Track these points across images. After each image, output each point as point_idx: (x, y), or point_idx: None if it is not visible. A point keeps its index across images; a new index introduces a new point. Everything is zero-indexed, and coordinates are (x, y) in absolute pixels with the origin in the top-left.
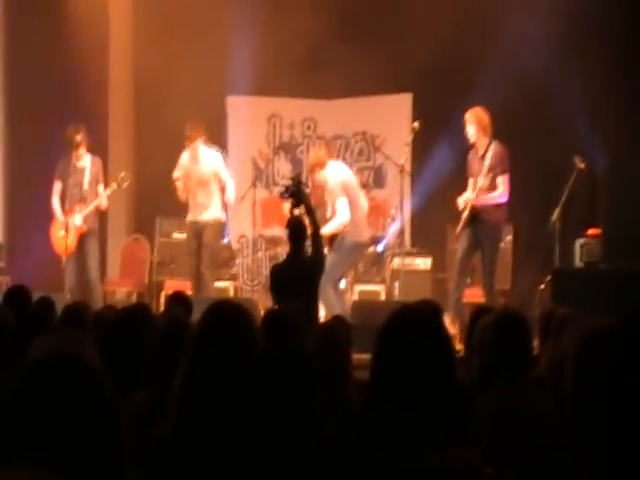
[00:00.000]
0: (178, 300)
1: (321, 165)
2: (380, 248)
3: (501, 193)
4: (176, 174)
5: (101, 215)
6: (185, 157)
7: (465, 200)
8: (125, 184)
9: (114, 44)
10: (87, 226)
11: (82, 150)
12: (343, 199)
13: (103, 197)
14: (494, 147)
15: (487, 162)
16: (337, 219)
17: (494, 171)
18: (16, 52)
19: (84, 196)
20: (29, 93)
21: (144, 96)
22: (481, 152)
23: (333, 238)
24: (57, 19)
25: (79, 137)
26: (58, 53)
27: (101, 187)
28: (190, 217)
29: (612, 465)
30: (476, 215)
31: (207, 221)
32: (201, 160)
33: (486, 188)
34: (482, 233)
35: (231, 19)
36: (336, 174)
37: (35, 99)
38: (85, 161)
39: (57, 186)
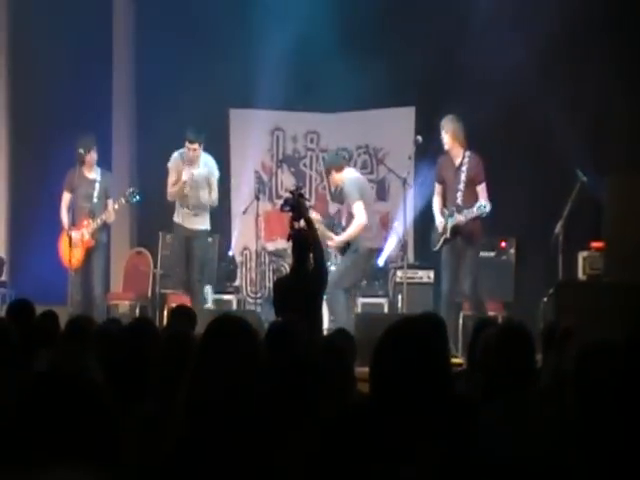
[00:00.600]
0: (181, 313)
1: (337, 168)
2: (381, 263)
3: (485, 204)
4: (173, 177)
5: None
6: (177, 158)
7: (443, 225)
8: (134, 200)
9: (117, 55)
10: (94, 240)
11: (93, 162)
12: (360, 203)
13: (111, 212)
14: (470, 158)
15: (464, 174)
16: (356, 222)
17: (473, 182)
18: (21, 65)
19: (93, 209)
20: (34, 106)
21: (147, 109)
22: (457, 162)
23: (347, 243)
24: (60, 32)
25: (90, 148)
26: (62, 65)
27: (110, 202)
28: (178, 220)
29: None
30: (455, 227)
31: (196, 231)
32: (199, 163)
33: (465, 200)
34: (460, 244)
35: (234, 32)
36: (353, 177)
37: (40, 112)
38: (95, 174)
39: (66, 197)
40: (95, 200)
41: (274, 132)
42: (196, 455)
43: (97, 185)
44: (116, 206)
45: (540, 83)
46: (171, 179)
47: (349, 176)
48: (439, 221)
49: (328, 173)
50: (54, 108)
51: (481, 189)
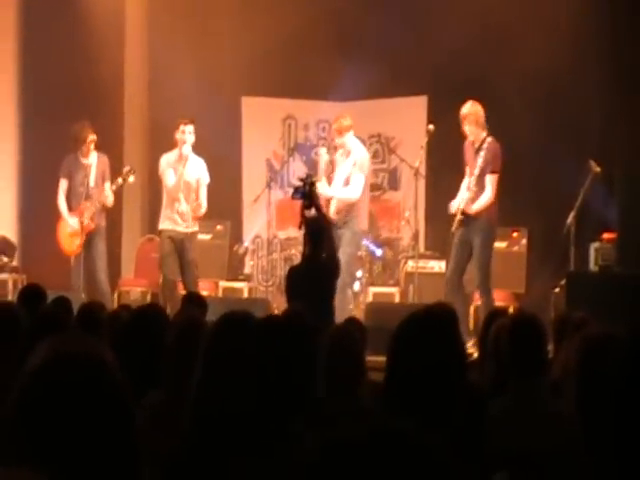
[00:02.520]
0: (193, 300)
1: (349, 129)
2: (379, 253)
3: (488, 196)
4: (169, 181)
5: (116, 215)
6: (169, 159)
7: (456, 205)
8: (130, 178)
9: (129, 43)
10: (94, 224)
11: (89, 147)
12: (362, 177)
13: (110, 194)
14: (489, 143)
15: (481, 159)
16: (349, 191)
17: (485, 169)
18: (31, 51)
19: (90, 194)
20: (44, 92)
21: (159, 95)
22: (477, 145)
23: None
24: (72, 17)
25: (85, 134)
26: (73, 51)
27: (107, 185)
28: (165, 226)
29: (617, 470)
30: (467, 215)
31: (187, 234)
32: (189, 164)
33: (477, 185)
34: (473, 232)
35: (247, 20)
36: (365, 152)
37: (50, 98)
38: (92, 158)
39: (63, 184)
40: (92, 184)
41: (286, 120)
42: (209, 440)
43: (93, 169)
44: (113, 187)
45: (553, 73)
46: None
47: (363, 149)
48: (455, 202)
49: (348, 130)
50: (64, 92)
51: (490, 180)
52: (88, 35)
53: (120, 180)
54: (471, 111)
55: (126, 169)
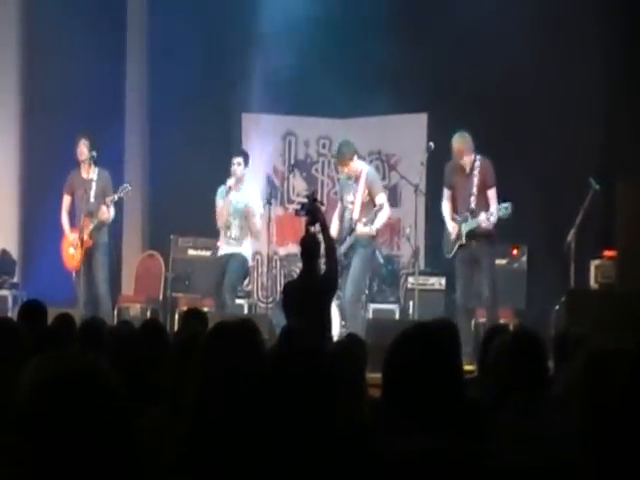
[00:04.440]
0: (194, 316)
1: (353, 156)
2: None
3: (496, 211)
4: (219, 203)
5: (116, 231)
6: (221, 192)
7: (456, 229)
8: (123, 193)
9: (130, 58)
10: (92, 241)
11: (90, 162)
12: (384, 195)
13: (111, 210)
14: (481, 162)
15: (476, 178)
16: (385, 212)
17: (484, 186)
18: (33, 63)
19: (90, 209)
20: (46, 106)
21: (159, 113)
22: (467, 168)
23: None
24: (74, 26)
25: (87, 149)
26: (74, 67)
27: (108, 200)
28: (221, 252)
29: None
30: (470, 232)
31: (234, 253)
32: (242, 188)
33: (478, 204)
34: (476, 248)
35: (246, 36)
36: (371, 167)
37: (52, 113)
38: (93, 174)
39: (66, 200)
40: (92, 200)
41: (286, 137)
42: (207, 452)
43: (94, 185)
44: (109, 202)
45: (553, 91)
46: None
47: (368, 166)
48: (452, 227)
49: (344, 163)
50: (67, 110)
51: (492, 194)
52: (88, 47)
53: (116, 197)
54: (464, 143)
55: (122, 186)
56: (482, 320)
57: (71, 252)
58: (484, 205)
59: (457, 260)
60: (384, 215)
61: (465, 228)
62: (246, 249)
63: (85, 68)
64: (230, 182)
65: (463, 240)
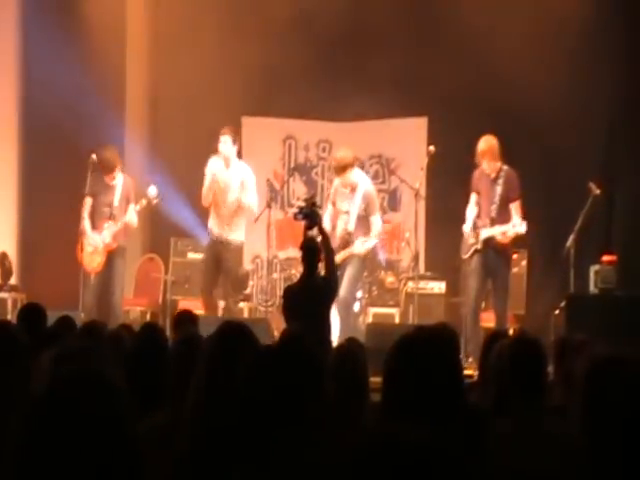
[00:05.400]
0: (184, 319)
1: (352, 166)
2: (382, 257)
3: (520, 223)
4: (207, 182)
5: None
6: (214, 163)
7: (475, 235)
8: (155, 201)
9: (130, 63)
10: (116, 244)
11: (116, 170)
12: (379, 215)
13: (133, 215)
14: (506, 173)
15: (500, 188)
16: (377, 238)
17: (507, 198)
18: (32, 67)
19: (114, 213)
20: (45, 110)
21: (160, 117)
22: (493, 176)
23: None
24: (74, 35)
25: (115, 162)
26: (75, 72)
27: (132, 206)
28: (214, 230)
29: None
30: (487, 240)
31: (230, 242)
32: (232, 166)
33: (499, 214)
34: (493, 258)
35: (248, 40)
36: (370, 184)
37: (51, 116)
38: (117, 179)
39: (88, 202)
40: (116, 204)
41: (286, 140)
42: (208, 458)
43: (118, 190)
44: (137, 207)
45: (554, 95)
46: (205, 183)
47: (367, 181)
48: (471, 230)
49: (344, 171)
50: (66, 112)
51: (515, 207)
52: (90, 55)
53: (144, 202)
54: (489, 147)
55: (151, 193)
56: (486, 325)
57: (90, 252)
58: (505, 216)
59: (472, 264)
60: (375, 240)
61: (483, 234)
62: (240, 233)
63: (84, 79)
64: (219, 162)
65: (479, 246)
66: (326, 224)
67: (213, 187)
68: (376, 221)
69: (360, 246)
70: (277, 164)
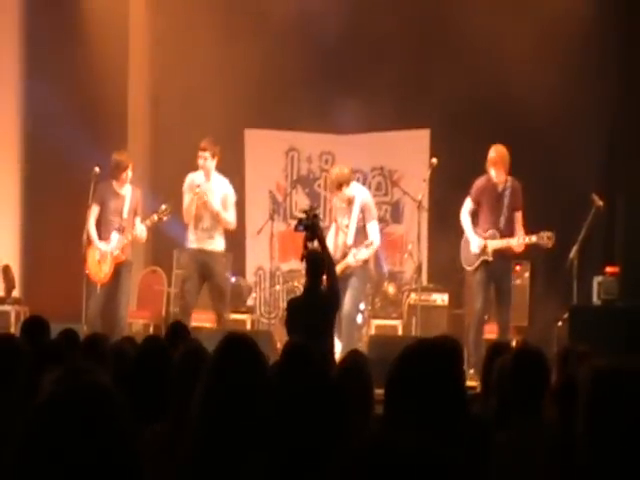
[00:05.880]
0: (176, 331)
1: (347, 182)
2: (385, 268)
3: (523, 233)
4: (187, 199)
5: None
6: (193, 177)
7: (483, 246)
8: (165, 218)
9: (133, 76)
10: (125, 256)
11: (127, 179)
12: (376, 223)
13: (143, 229)
14: (512, 184)
15: (507, 199)
16: (372, 247)
17: (513, 208)
18: (34, 75)
19: (123, 225)
20: (48, 122)
21: (162, 129)
22: (500, 188)
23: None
24: (76, 42)
25: (127, 162)
26: (77, 77)
27: (138, 219)
28: (193, 245)
29: None
30: (496, 251)
31: (213, 252)
32: (212, 181)
33: (506, 225)
34: (502, 273)
35: (250, 52)
36: (368, 194)
37: (54, 128)
38: (126, 189)
39: (94, 210)
40: (125, 216)
41: (289, 153)
42: (211, 468)
43: (127, 201)
44: (148, 222)
45: (556, 108)
46: (185, 201)
47: (365, 192)
48: (477, 241)
49: (339, 188)
50: (68, 125)
51: (519, 216)
52: (92, 64)
53: (155, 217)
54: (501, 157)
55: (163, 208)
56: (489, 337)
57: (98, 261)
58: (511, 227)
59: (478, 275)
60: (370, 250)
61: (492, 245)
62: (219, 243)
63: (86, 79)
64: (198, 177)
65: (489, 257)
66: (330, 242)
67: (194, 202)
68: (372, 229)
69: (351, 258)
70: (280, 176)
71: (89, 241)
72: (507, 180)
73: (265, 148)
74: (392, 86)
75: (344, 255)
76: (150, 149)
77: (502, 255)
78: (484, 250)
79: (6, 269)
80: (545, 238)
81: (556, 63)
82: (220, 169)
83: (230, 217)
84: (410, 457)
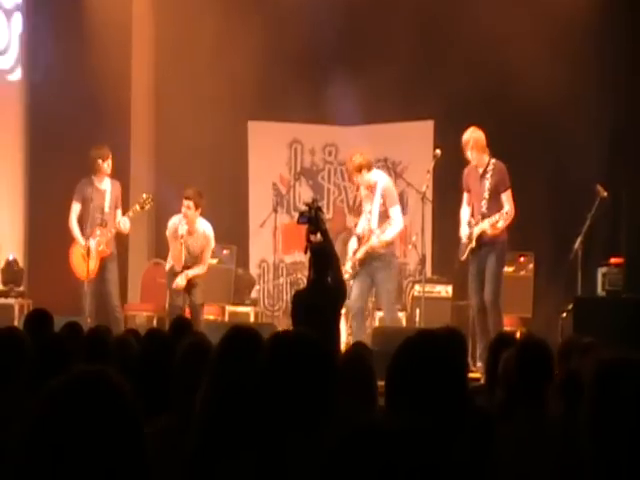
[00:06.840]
0: (180, 325)
1: (369, 167)
2: None
3: (509, 212)
4: (172, 246)
5: (122, 240)
6: (176, 224)
7: (469, 234)
8: (147, 206)
9: (136, 69)
10: (109, 250)
11: (105, 172)
12: (398, 207)
13: (127, 221)
14: (494, 165)
15: (487, 182)
16: (396, 227)
17: (496, 190)
18: (38, 74)
19: (105, 220)
20: (52, 117)
21: (166, 121)
22: (480, 170)
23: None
24: (80, 43)
25: (106, 154)
26: (80, 77)
27: (119, 212)
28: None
29: None
30: (480, 236)
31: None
32: (197, 232)
33: (490, 208)
34: (481, 254)
35: (253, 44)
36: (389, 180)
37: (57, 123)
38: (106, 184)
39: (76, 207)
40: (107, 210)
41: (292, 145)
42: (215, 460)
43: (108, 195)
44: (130, 214)
45: (560, 98)
46: (171, 248)
47: (386, 178)
48: (465, 230)
49: (359, 171)
50: (72, 119)
51: (506, 197)
52: (95, 62)
53: (137, 207)
54: (472, 137)
55: (144, 197)
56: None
57: (83, 258)
58: (496, 209)
59: (470, 264)
60: (393, 229)
61: (475, 232)
62: (202, 267)
63: (90, 78)
64: (182, 227)
65: (474, 244)
66: (350, 249)
67: (182, 251)
68: (394, 213)
69: (375, 239)
70: (283, 168)
71: (72, 239)
72: (489, 162)
73: (268, 140)
74: (396, 77)
75: (367, 238)
76: (154, 143)
77: (483, 241)
78: (470, 238)
79: (13, 262)
80: (504, 214)
81: (560, 54)
82: (224, 161)
83: (208, 257)
84: (395, 439)
